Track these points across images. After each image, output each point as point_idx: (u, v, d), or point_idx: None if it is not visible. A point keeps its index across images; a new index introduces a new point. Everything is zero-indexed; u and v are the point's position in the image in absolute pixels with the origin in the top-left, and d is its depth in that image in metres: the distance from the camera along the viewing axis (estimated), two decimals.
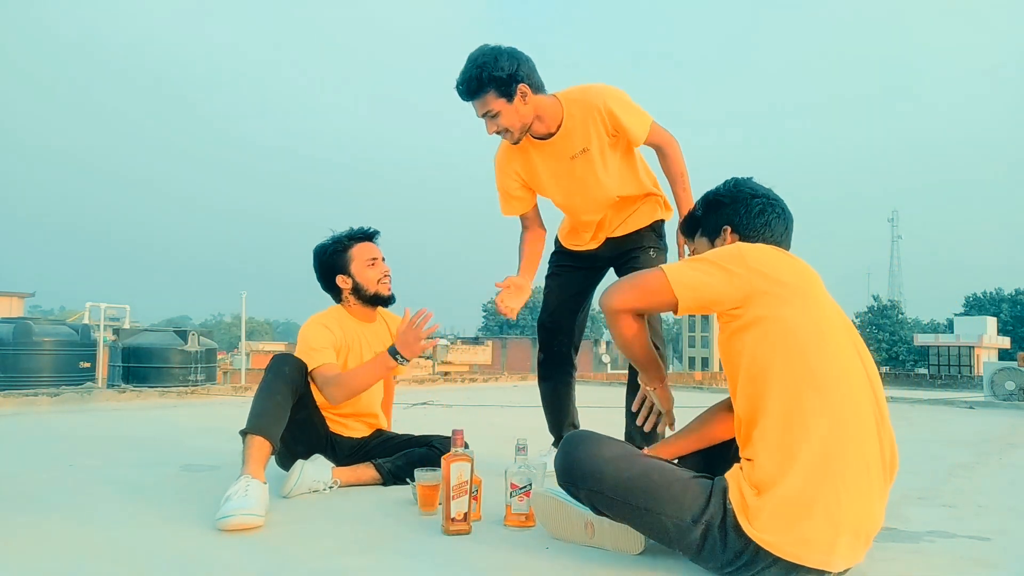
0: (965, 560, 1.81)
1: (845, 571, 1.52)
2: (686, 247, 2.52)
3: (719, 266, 1.59)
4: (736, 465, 1.57)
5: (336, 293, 2.71)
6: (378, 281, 2.66)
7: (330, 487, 2.42)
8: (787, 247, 1.80)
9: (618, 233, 2.74)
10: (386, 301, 2.71)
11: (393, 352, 2.41)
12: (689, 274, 1.60)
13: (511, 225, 2.87)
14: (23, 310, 24.02)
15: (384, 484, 2.52)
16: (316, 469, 2.41)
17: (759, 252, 1.62)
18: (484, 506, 2.10)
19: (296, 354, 2.52)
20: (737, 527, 1.48)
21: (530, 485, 2.00)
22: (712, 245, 1.82)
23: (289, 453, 2.47)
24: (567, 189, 2.63)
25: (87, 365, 11.37)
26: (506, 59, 2.34)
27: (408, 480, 2.41)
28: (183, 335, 11.25)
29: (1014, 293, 54.20)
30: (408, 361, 2.45)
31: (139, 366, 10.76)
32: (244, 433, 2.25)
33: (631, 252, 2.72)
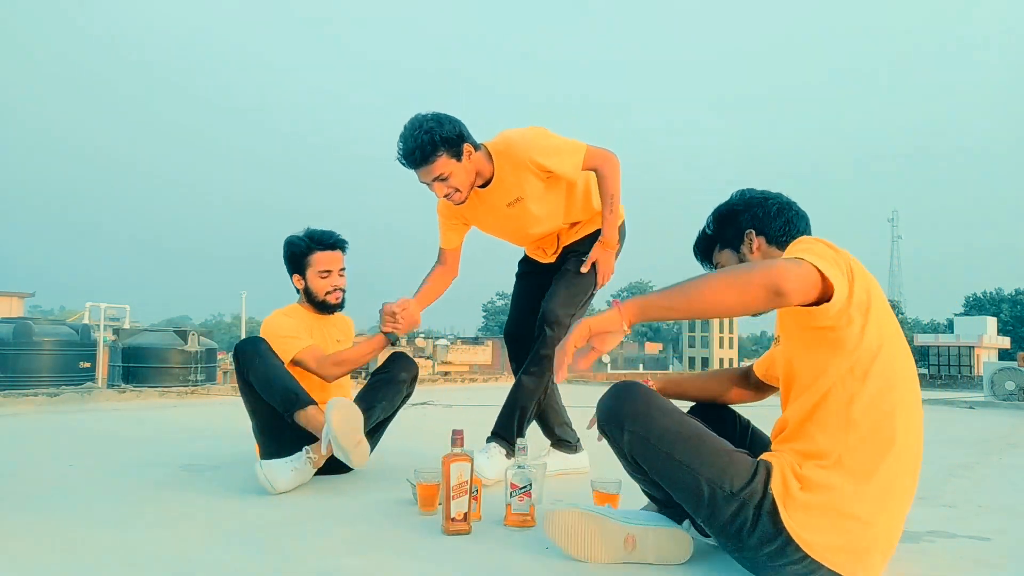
0: (965, 560, 1.81)
1: None
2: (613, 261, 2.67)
3: (834, 256, 1.43)
4: (781, 453, 1.52)
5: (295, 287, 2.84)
6: (326, 292, 2.76)
7: (308, 456, 2.43)
8: None
9: (571, 241, 2.80)
10: (331, 310, 2.82)
11: (387, 333, 2.63)
12: (828, 264, 1.39)
13: None
14: (23, 310, 24.07)
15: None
16: (275, 464, 2.40)
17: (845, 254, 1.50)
18: (484, 506, 2.10)
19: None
20: (774, 514, 1.44)
21: (530, 485, 1.99)
22: (738, 253, 1.73)
23: (276, 442, 2.51)
24: (510, 230, 2.76)
25: (87, 365, 11.41)
26: (448, 121, 2.43)
27: (374, 403, 2.60)
28: (183, 335, 11.27)
29: (1014, 293, 54.30)
30: (399, 340, 2.64)
31: (139, 366, 10.78)
32: (293, 411, 2.38)
33: (570, 255, 2.77)
